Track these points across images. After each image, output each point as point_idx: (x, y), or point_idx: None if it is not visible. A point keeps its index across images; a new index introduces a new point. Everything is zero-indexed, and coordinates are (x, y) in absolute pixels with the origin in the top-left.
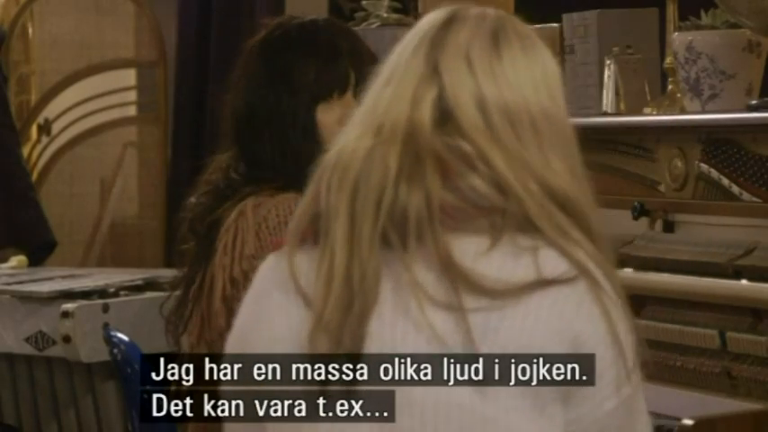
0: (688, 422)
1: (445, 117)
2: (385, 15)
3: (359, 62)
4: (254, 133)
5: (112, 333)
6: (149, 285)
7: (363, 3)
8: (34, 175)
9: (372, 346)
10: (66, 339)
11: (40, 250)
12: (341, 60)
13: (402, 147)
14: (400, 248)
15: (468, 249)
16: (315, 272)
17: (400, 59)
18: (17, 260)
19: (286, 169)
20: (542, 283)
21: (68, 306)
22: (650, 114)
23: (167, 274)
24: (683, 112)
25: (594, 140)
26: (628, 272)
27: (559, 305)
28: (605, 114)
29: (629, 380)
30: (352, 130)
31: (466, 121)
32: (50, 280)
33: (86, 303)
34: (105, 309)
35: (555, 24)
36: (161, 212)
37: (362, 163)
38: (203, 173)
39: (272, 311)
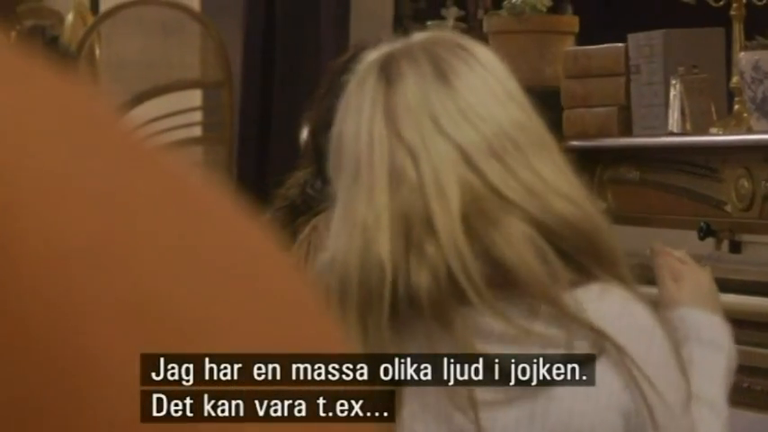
0: None
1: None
2: None
3: None
4: None
5: None
6: None
7: (428, 24)
8: None
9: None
10: None
11: None
12: None
13: (392, 239)
14: (421, 335)
15: (496, 328)
16: None
17: (359, 145)
18: None
19: None
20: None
21: None
22: (716, 134)
23: None
24: (749, 131)
25: (660, 160)
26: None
27: (583, 395)
28: (671, 134)
29: None
30: (339, 233)
31: (455, 189)
32: None
33: None
34: None
35: (620, 44)
36: None
37: (360, 273)
38: (281, 187)
39: None
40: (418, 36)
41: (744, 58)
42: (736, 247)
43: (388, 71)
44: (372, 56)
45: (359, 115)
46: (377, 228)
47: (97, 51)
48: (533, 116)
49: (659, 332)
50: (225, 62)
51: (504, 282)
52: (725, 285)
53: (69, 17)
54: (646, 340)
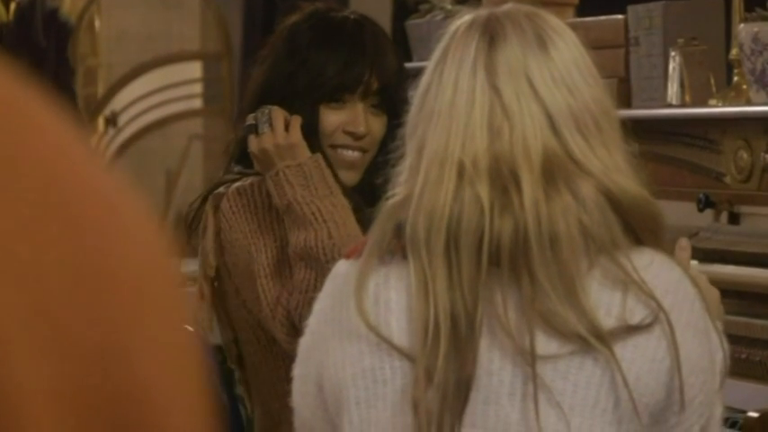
0: (754, 414)
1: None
2: (449, 8)
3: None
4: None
5: None
6: None
7: None
8: None
9: (474, 389)
10: None
11: None
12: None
13: (489, 183)
14: (496, 284)
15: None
16: (404, 305)
17: (458, 94)
18: None
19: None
20: (626, 330)
21: None
22: (715, 106)
23: None
24: (748, 103)
25: (659, 132)
26: (693, 264)
27: (638, 354)
28: (670, 106)
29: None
30: (429, 170)
31: (540, 150)
32: None
33: None
34: None
35: (620, 16)
36: None
37: (452, 207)
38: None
39: (344, 359)
40: (512, 5)
41: (743, 29)
42: (734, 219)
43: (492, 31)
44: (468, 17)
45: (459, 68)
46: (475, 170)
47: (97, 23)
48: (611, 100)
49: (699, 302)
50: (225, 34)
51: (569, 243)
52: (724, 257)
53: None
54: (688, 308)
